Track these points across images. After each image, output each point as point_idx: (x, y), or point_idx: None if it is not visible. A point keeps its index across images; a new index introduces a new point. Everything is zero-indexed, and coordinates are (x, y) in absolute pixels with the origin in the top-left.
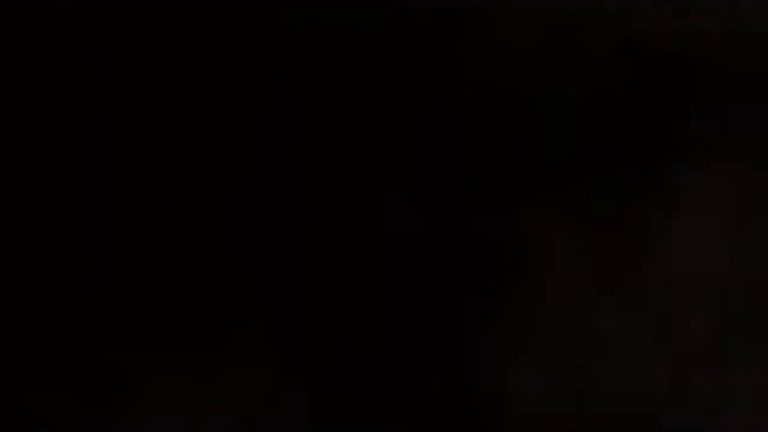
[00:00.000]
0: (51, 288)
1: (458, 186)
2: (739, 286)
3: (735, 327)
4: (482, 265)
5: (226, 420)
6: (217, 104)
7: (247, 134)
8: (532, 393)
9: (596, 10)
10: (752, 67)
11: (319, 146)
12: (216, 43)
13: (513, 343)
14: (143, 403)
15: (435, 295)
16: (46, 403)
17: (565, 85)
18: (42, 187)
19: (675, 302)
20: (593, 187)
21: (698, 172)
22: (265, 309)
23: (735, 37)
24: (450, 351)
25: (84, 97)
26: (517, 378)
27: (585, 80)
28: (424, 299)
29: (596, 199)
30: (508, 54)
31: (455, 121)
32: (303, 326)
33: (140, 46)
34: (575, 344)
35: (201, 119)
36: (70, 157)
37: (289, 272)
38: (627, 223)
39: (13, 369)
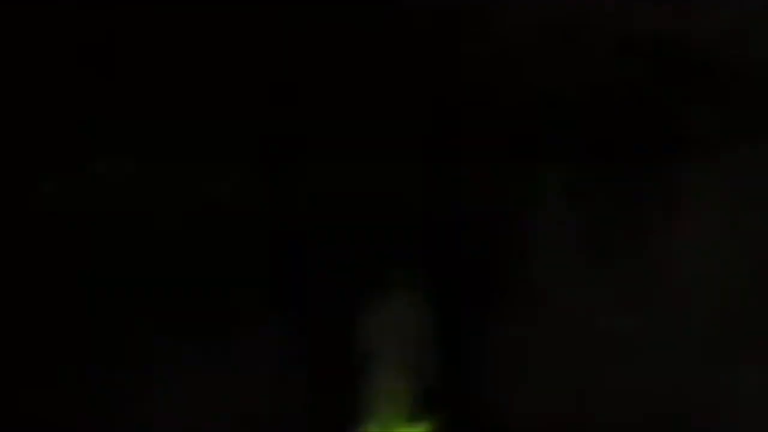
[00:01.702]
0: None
1: (459, 185)
2: (739, 285)
3: (737, 325)
4: (483, 264)
5: (226, 420)
6: (217, 108)
7: (248, 136)
8: (533, 393)
9: (596, 10)
10: (752, 67)
11: (320, 144)
12: (216, 44)
13: (513, 342)
14: (142, 403)
15: (436, 294)
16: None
17: (565, 85)
18: (53, 176)
19: (676, 301)
20: (594, 186)
21: (698, 172)
22: (271, 312)
23: (735, 37)
24: (450, 350)
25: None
26: (518, 377)
27: (585, 80)
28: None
29: (597, 197)
30: (508, 54)
31: (455, 120)
32: (305, 328)
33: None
34: (575, 344)
35: (204, 128)
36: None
37: (292, 276)
38: (627, 223)
39: (24, 353)
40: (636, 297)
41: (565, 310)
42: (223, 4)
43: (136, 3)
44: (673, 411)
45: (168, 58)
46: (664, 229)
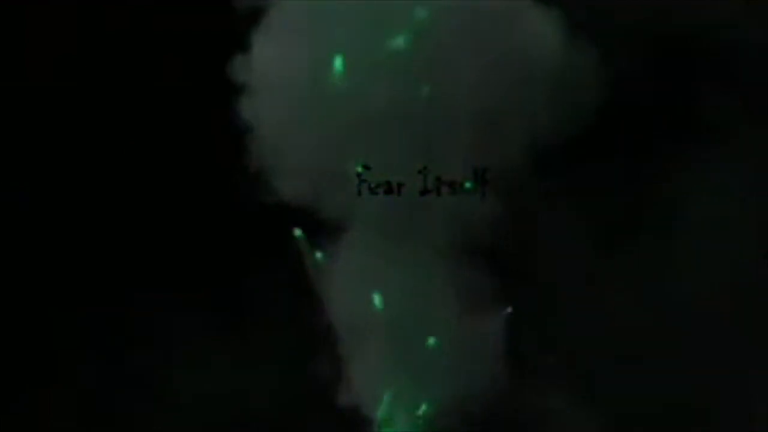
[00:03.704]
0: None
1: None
2: (744, 280)
3: (742, 324)
4: (487, 261)
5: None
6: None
7: None
8: (538, 392)
9: (598, 9)
10: (752, 64)
11: None
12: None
13: (515, 339)
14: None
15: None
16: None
17: (568, 82)
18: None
19: (682, 298)
20: (597, 182)
21: (702, 165)
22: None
23: (737, 31)
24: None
25: None
26: (525, 377)
27: (591, 75)
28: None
29: (601, 193)
30: None
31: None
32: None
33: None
34: (578, 342)
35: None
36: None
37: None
38: (632, 218)
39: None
40: (640, 294)
41: (569, 307)
42: None
43: None
44: (676, 410)
45: None
46: (667, 225)
